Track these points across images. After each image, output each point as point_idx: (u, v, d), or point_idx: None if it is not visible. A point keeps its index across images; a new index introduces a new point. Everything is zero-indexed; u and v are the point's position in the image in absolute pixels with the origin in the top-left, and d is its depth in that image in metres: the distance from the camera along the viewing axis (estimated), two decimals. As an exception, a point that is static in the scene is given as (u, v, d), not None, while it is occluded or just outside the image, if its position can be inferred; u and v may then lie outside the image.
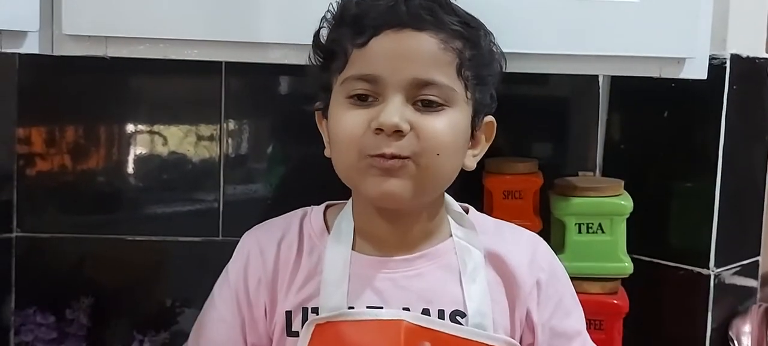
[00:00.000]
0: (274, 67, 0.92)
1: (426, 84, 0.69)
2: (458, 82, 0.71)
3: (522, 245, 0.78)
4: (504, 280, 0.76)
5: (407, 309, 0.72)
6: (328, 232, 0.76)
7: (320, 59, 0.75)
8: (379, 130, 0.68)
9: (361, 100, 0.70)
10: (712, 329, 1.04)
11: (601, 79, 1.13)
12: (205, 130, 1.10)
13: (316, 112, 0.77)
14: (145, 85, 1.11)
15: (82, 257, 1.09)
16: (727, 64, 1.00)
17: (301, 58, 0.86)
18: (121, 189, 1.10)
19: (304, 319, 0.73)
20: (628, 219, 0.99)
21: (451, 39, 0.70)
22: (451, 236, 0.76)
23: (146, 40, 0.85)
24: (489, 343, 0.72)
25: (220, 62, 1.05)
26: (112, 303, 1.09)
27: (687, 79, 0.91)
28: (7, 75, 1.06)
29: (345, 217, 0.76)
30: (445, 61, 0.70)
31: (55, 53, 0.85)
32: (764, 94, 1.10)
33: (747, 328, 1.07)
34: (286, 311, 0.74)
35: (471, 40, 0.72)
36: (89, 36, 0.84)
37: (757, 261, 1.13)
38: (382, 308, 0.72)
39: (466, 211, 0.80)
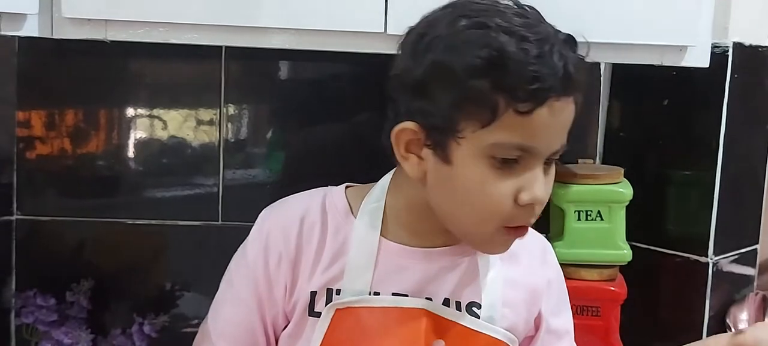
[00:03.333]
0: (274, 52, 0.92)
1: (560, 151, 0.68)
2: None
3: (535, 244, 0.78)
4: (519, 278, 0.76)
5: (429, 299, 0.72)
6: (353, 213, 0.73)
7: (456, 95, 0.64)
8: (529, 205, 0.66)
9: (505, 163, 0.65)
10: (710, 317, 1.05)
11: (602, 66, 1.13)
12: (205, 114, 1.10)
13: (404, 129, 0.68)
14: (144, 69, 1.10)
15: (82, 240, 1.10)
16: (730, 53, 1.00)
17: (302, 44, 0.86)
18: (121, 173, 1.10)
19: (328, 300, 0.71)
20: (627, 206, 0.99)
21: (580, 99, 0.67)
22: None
23: (146, 23, 0.84)
24: (499, 339, 0.73)
25: (221, 46, 1.05)
26: (112, 286, 1.09)
27: (688, 67, 0.91)
28: (7, 58, 1.06)
29: (372, 201, 0.73)
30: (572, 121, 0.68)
31: (55, 36, 0.84)
32: (766, 83, 1.09)
33: (744, 315, 1.08)
34: (311, 291, 0.72)
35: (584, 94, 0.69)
36: (89, 19, 0.84)
37: (756, 249, 1.13)
38: (406, 295, 0.71)
39: None
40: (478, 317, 0.72)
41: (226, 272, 0.78)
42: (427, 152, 0.68)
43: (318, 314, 0.72)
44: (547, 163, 0.68)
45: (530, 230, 0.77)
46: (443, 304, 0.72)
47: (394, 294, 0.71)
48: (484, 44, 0.63)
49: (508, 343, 0.73)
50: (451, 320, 0.71)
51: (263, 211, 0.77)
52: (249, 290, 0.74)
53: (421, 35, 0.67)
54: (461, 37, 0.64)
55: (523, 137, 0.64)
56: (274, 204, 0.77)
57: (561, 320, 0.79)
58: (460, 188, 0.67)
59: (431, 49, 0.65)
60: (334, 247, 0.72)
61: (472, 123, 0.64)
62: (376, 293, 0.71)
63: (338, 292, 0.71)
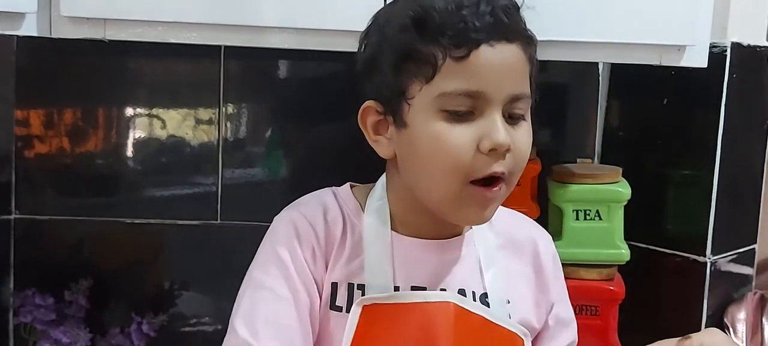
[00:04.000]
0: (273, 52, 0.91)
1: (518, 98, 0.68)
2: (530, 92, 0.70)
3: (535, 232, 0.80)
4: (523, 270, 0.77)
5: (444, 290, 0.73)
6: (363, 210, 0.74)
7: (395, 60, 0.68)
8: (492, 150, 0.66)
9: (459, 114, 0.67)
10: (708, 316, 1.05)
11: (600, 66, 1.13)
12: (204, 113, 1.10)
13: (365, 109, 0.71)
14: (143, 68, 1.10)
15: (80, 239, 1.09)
16: (728, 52, 1.00)
17: (301, 43, 0.86)
18: (119, 172, 1.10)
19: (350, 294, 0.72)
20: (625, 206, 0.99)
21: (527, 47, 0.69)
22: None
23: (145, 22, 0.84)
24: (514, 331, 0.73)
25: (219, 46, 1.05)
26: (110, 285, 1.09)
27: (687, 67, 0.91)
28: (5, 57, 1.05)
29: (377, 199, 0.74)
30: (526, 72, 0.69)
31: (54, 35, 0.84)
32: (764, 83, 1.09)
33: (742, 315, 1.08)
34: (332, 283, 0.72)
35: (535, 43, 0.71)
36: (87, 18, 0.84)
37: (754, 249, 1.13)
38: (425, 288, 0.72)
39: None
40: (489, 307, 0.73)
41: (248, 281, 0.74)
42: (392, 130, 0.70)
43: (339, 308, 0.72)
44: (514, 118, 0.68)
45: (530, 222, 0.79)
46: (459, 294, 0.73)
47: (413, 288, 0.72)
48: (413, 6, 0.68)
49: (522, 336, 0.74)
50: (476, 313, 0.71)
51: (281, 213, 0.75)
52: (290, 288, 0.72)
53: (369, 25, 0.72)
54: (395, 8, 0.70)
55: (466, 82, 0.66)
56: (289, 206, 0.76)
57: (565, 307, 0.80)
58: (420, 149, 0.68)
59: (373, 30, 0.71)
60: (352, 242, 0.73)
61: (417, 81, 0.67)
62: (396, 288, 0.72)
63: (360, 287, 0.72)
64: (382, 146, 0.72)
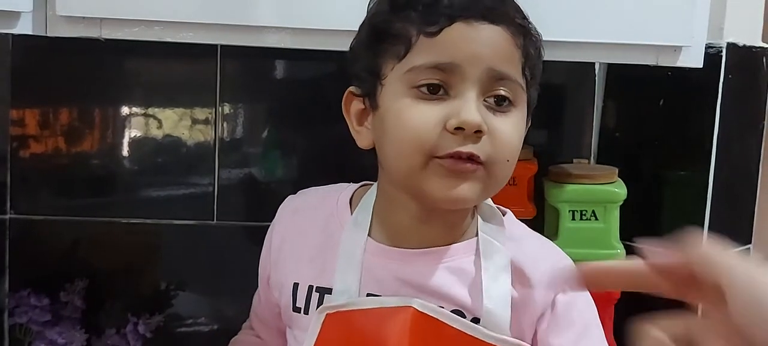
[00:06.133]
0: (270, 51, 0.91)
1: (501, 77, 0.64)
2: (523, 80, 0.66)
3: (545, 259, 0.72)
4: (519, 291, 0.69)
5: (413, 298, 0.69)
6: (352, 212, 0.72)
7: (370, 40, 0.67)
8: (458, 129, 0.62)
9: (430, 92, 0.63)
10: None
11: (597, 66, 1.13)
12: (201, 113, 1.10)
13: (346, 95, 0.70)
14: (139, 68, 1.10)
15: (76, 239, 1.09)
16: (724, 53, 1.00)
17: (297, 43, 0.86)
18: (115, 172, 1.10)
19: (308, 296, 0.70)
20: (621, 207, 1.00)
21: (518, 35, 0.66)
22: (477, 235, 0.70)
23: (141, 22, 0.84)
24: (495, 344, 0.67)
25: (216, 45, 1.05)
26: (106, 286, 1.09)
27: (683, 68, 0.91)
28: (0, 56, 1.05)
29: (365, 202, 0.72)
30: (515, 58, 0.65)
31: (49, 34, 0.84)
32: (760, 83, 1.10)
33: (738, 315, 1.08)
34: (294, 283, 0.71)
35: (532, 36, 0.68)
36: (83, 17, 0.83)
37: (749, 249, 1.13)
38: (379, 296, 0.69)
39: (504, 213, 0.74)
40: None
41: None
42: (370, 118, 0.68)
43: (299, 309, 0.72)
44: (500, 103, 0.64)
45: (553, 246, 0.74)
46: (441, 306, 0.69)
47: (368, 295, 0.69)
48: None
49: None
50: (439, 320, 0.66)
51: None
52: (261, 269, 0.77)
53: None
54: None
55: (438, 55, 0.63)
56: (300, 191, 0.79)
57: (562, 340, 0.70)
58: (387, 126, 0.65)
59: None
60: (320, 241, 0.72)
61: (390, 61, 0.65)
62: (368, 295, 0.69)
63: (319, 290, 0.71)
64: (362, 136, 0.69)
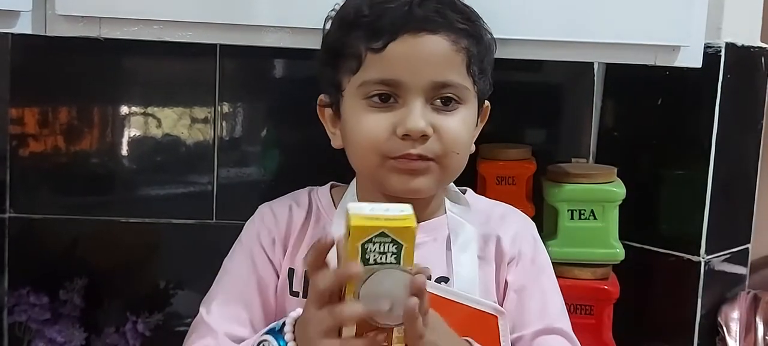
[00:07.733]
0: (269, 51, 0.91)
1: (443, 86, 0.72)
2: (468, 79, 0.74)
3: (511, 222, 0.82)
4: (494, 256, 0.79)
5: None
6: (335, 208, 0.80)
7: (328, 57, 0.76)
8: (406, 136, 0.71)
9: (382, 101, 0.72)
10: (702, 315, 1.05)
11: (595, 66, 1.13)
12: (200, 112, 1.10)
13: (319, 102, 0.79)
14: (139, 67, 1.10)
15: (75, 238, 1.09)
16: (722, 53, 1.00)
17: (296, 42, 0.86)
18: (114, 171, 1.10)
19: (306, 280, 0.75)
20: (620, 206, 1.00)
21: (460, 38, 0.73)
22: (445, 212, 0.80)
23: (140, 21, 0.84)
24: (475, 307, 0.75)
25: (215, 45, 1.05)
26: (105, 284, 1.09)
27: (681, 67, 0.91)
28: (0, 55, 1.05)
29: (349, 195, 0.79)
30: (458, 61, 0.73)
31: (48, 33, 0.84)
32: (758, 83, 1.10)
33: (736, 314, 1.08)
34: (289, 269, 0.77)
35: (475, 36, 0.75)
36: (83, 16, 0.84)
37: (747, 248, 1.14)
38: None
39: (464, 192, 0.84)
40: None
41: (221, 269, 0.81)
42: (327, 115, 0.78)
43: (296, 294, 0.77)
44: (447, 104, 0.72)
45: (515, 211, 0.83)
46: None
47: None
48: (342, 4, 0.76)
49: (495, 313, 0.75)
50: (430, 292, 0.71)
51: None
52: (247, 268, 0.78)
53: None
54: (334, 11, 0.77)
55: (383, 72, 0.71)
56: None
57: (527, 276, 0.79)
58: (348, 132, 0.75)
59: None
60: (315, 232, 0.78)
61: (346, 75, 0.74)
62: None
63: None
64: (335, 138, 0.78)
